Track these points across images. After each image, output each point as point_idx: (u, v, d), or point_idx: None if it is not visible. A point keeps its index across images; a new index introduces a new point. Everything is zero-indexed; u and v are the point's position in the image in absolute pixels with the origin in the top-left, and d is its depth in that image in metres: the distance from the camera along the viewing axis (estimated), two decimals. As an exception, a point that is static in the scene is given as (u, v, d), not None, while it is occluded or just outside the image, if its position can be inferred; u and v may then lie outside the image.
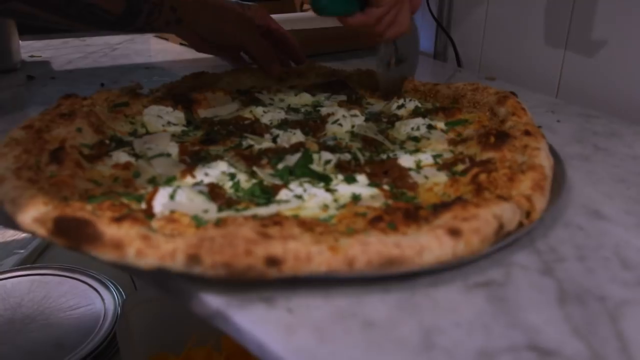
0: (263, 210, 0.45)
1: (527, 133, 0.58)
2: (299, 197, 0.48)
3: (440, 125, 0.67)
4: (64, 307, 1.05)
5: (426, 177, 0.53)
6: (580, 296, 0.40)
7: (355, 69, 0.86)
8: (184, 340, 0.81)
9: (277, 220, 0.41)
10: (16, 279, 1.11)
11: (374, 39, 0.76)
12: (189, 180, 0.51)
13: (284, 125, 0.67)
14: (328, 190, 0.49)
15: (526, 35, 0.96)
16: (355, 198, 0.49)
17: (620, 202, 0.54)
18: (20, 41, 1.00)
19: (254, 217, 0.43)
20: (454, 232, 0.40)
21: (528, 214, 0.46)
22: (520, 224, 0.45)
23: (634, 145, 0.68)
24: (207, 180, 0.51)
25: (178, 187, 0.47)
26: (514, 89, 0.90)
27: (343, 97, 0.78)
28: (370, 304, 0.38)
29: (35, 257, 1.21)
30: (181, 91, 0.73)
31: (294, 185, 0.50)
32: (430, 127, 0.65)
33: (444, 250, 0.40)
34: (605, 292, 0.40)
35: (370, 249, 0.38)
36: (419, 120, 0.66)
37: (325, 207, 0.47)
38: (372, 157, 0.58)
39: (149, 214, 0.44)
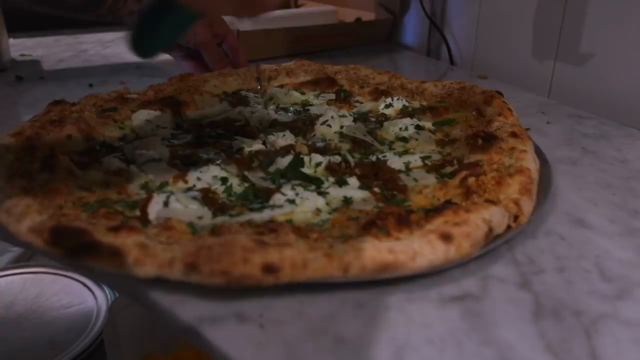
0: (257, 216, 0.45)
1: (514, 135, 0.58)
2: (292, 201, 0.48)
3: (428, 125, 0.67)
4: (56, 305, 1.05)
5: (415, 180, 0.54)
6: (557, 310, 0.39)
7: (343, 66, 0.85)
8: (173, 341, 0.81)
9: (272, 227, 0.42)
10: (9, 277, 1.11)
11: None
12: (181, 185, 0.51)
13: (273, 126, 0.66)
14: (320, 193, 0.50)
15: (518, 34, 0.94)
16: (347, 201, 0.49)
17: (605, 210, 0.53)
18: (11, 39, 1.00)
19: (249, 223, 0.44)
20: (446, 237, 0.41)
21: (516, 218, 0.46)
22: (508, 227, 0.46)
23: (622, 148, 0.67)
24: (199, 185, 0.51)
25: (172, 193, 0.47)
26: (505, 87, 0.89)
27: (332, 96, 0.78)
28: (343, 320, 0.37)
29: (29, 255, 1.21)
30: (168, 93, 0.73)
31: (286, 189, 0.50)
32: (418, 127, 0.65)
33: (437, 254, 0.40)
34: (582, 305, 0.40)
35: (364, 254, 0.39)
36: (407, 121, 0.66)
37: (318, 211, 0.48)
38: (362, 159, 0.58)
39: (144, 221, 0.44)
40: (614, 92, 0.81)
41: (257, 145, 0.60)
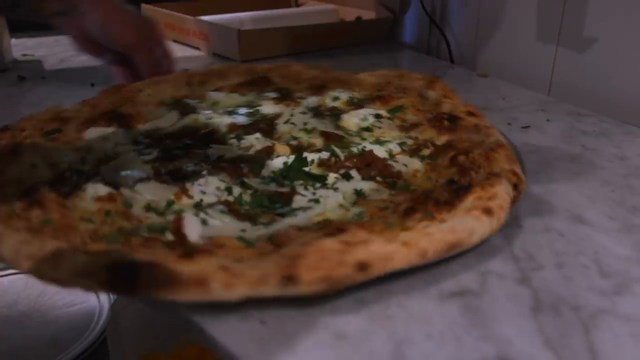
0: (295, 220, 0.46)
1: (471, 114, 0.64)
2: (317, 201, 0.49)
3: (383, 113, 0.68)
4: (59, 304, 1.05)
5: (405, 165, 0.57)
6: (555, 306, 0.40)
7: (273, 64, 0.83)
8: (175, 339, 0.82)
9: (339, 226, 0.42)
10: (12, 276, 1.11)
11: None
12: (186, 201, 0.49)
13: (233, 130, 0.64)
14: (335, 190, 0.51)
15: (519, 32, 0.95)
16: (359, 194, 0.51)
17: (604, 206, 0.54)
18: (13, 39, 1.00)
19: (300, 228, 0.44)
20: (488, 212, 0.45)
21: (515, 187, 0.50)
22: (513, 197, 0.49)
23: (622, 145, 0.68)
24: (206, 198, 0.49)
25: (201, 210, 0.47)
26: (506, 85, 0.90)
27: (273, 94, 0.75)
28: (344, 316, 0.38)
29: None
30: (105, 108, 0.66)
31: (301, 190, 0.51)
32: (377, 116, 0.67)
33: (485, 228, 0.44)
34: (581, 301, 0.40)
35: (434, 238, 0.41)
36: (365, 111, 0.68)
37: (342, 207, 0.49)
38: (350, 152, 0.59)
39: (183, 244, 0.42)
40: (614, 90, 0.81)
41: (235, 151, 0.58)
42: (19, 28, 1.10)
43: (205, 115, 0.67)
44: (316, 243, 0.39)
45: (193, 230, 0.43)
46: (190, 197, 0.49)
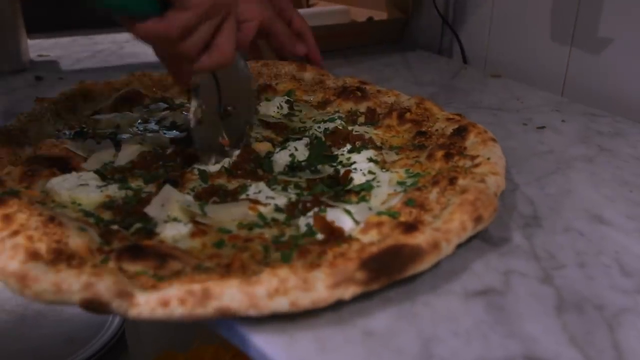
0: (388, 189, 0.51)
1: (364, 83, 0.74)
2: (372, 172, 0.54)
3: (286, 99, 0.72)
4: (74, 302, 1.07)
5: (366, 132, 0.64)
6: (579, 304, 0.40)
7: (127, 76, 0.77)
8: (192, 337, 0.82)
9: (451, 177, 0.49)
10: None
11: (183, 68, 0.53)
12: (262, 209, 0.48)
13: (181, 144, 0.60)
14: (357, 163, 0.56)
15: (532, 32, 0.95)
16: (379, 161, 0.57)
17: (623, 206, 0.54)
18: (28, 40, 1.01)
19: (419, 189, 0.50)
20: (494, 140, 0.57)
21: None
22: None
23: (638, 145, 0.68)
24: (277, 202, 0.49)
25: (341, 205, 0.48)
26: (519, 86, 0.90)
27: (162, 105, 0.71)
28: (371, 314, 0.38)
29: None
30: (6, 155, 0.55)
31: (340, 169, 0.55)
32: (288, 102, 0.71)
33: (500, 150, 0.56)
34: (604, 300, 0.41)
35: (502, 163, 0.54)
36: (277, 100, 0.71)
37: (390, 171, 0.55)
38: (325, 132, 0.63)
39: (342, 239, 0.43)
40: (627, 90, 0.82)
41: (216, 165, 0.57)
42: (34, 28, 1.11)
43: (136, 139, 0.61)
44: (474, 190, 0.46)
45: (345, 222, 0.45)
46: (265, 205, 0.49)
